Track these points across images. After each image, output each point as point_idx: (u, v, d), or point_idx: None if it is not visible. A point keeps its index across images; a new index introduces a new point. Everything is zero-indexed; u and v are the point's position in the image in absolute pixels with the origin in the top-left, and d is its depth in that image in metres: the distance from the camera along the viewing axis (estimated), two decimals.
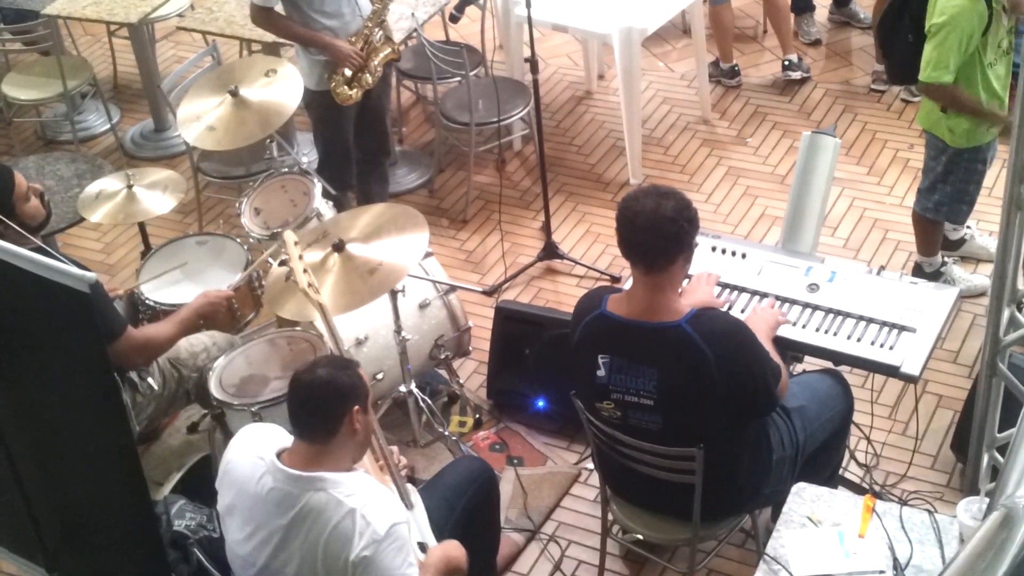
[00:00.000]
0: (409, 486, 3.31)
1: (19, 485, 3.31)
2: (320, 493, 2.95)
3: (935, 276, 4.76)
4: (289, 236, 3.53)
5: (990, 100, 4.38)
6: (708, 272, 3.76)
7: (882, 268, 3.89)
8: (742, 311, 3.77)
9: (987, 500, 2.67)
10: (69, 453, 3.19)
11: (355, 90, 4.87)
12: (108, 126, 6.44)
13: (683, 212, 3.20)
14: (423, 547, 3.20)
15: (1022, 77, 3.23)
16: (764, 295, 3.81)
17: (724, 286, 3.87)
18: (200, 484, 3.87)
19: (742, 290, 3.85)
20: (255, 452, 3.07)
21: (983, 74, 4.35)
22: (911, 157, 5.66)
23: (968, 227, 5.02)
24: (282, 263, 4.33)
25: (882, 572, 2.93)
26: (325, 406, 2.98)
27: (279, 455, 3.03)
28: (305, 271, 3.41)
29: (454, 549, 3.23)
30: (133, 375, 3.97)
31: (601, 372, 3.33)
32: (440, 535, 3.31)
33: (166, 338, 3.91)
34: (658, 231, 3.17)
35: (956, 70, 4.27)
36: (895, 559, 2.95)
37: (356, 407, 3.00)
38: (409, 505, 3.23)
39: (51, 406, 3.11)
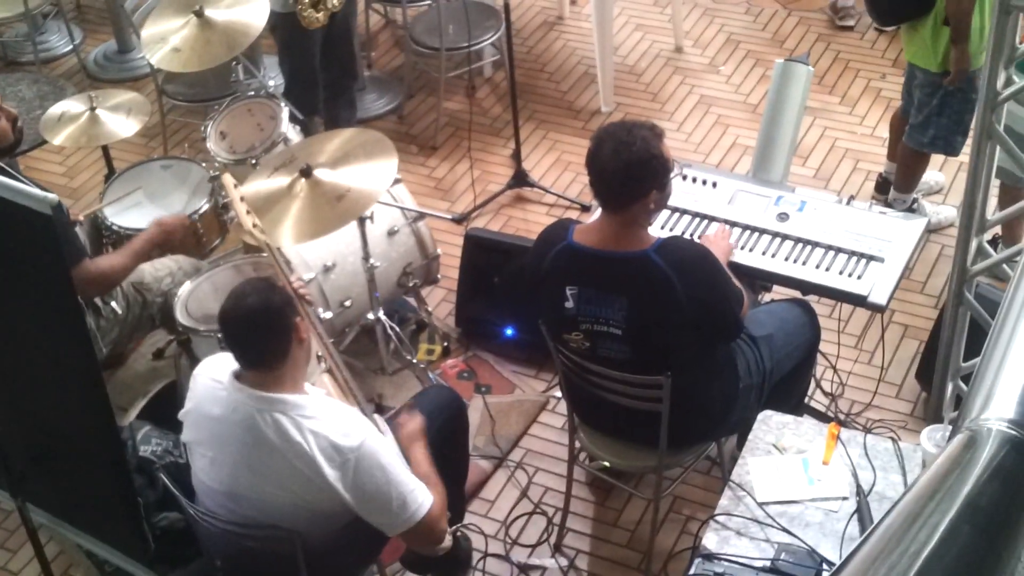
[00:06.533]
0: (377, 416, 3.30)
1: None
2: (284, 417, 2.93)
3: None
4: (228, 179, 3.46)
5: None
6: (723, 228, 3.76)
7: (852, 198, 3.88)
8: (696, 236, 3.77)
9: (950, 428, 2.69)
10: (33, 378, 3.15)
11: (321, 13, 4.79)
12: (70, 47, 6.31)
13: (638, 166, 3.16)
14: None
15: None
16: (734, 224, 3.81)
17: (694, 215, 3.86)
18: (166, 410, 3.84)
19: (712, 219, 3.84)
20: (212, 377, 3.05)
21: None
22: (883, 87, 5.64)
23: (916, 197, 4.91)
24: (224, 207, 4.28)
25: (845, 498, 2.96)
26: (272, 332, 2.94)
27: (237, 377, 3.01)
28: (248, 212, 3.34)
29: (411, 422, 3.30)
30: (96, 299, 3.93)
31: (569, 303, 3.32)
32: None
33: (119, 269, 3.87)
34: (612, 181, 3.20)
35: None
36: (858, 486, 2.97)
37: (297, 318, 2.99)
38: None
39: (13, 330, 3.07)
